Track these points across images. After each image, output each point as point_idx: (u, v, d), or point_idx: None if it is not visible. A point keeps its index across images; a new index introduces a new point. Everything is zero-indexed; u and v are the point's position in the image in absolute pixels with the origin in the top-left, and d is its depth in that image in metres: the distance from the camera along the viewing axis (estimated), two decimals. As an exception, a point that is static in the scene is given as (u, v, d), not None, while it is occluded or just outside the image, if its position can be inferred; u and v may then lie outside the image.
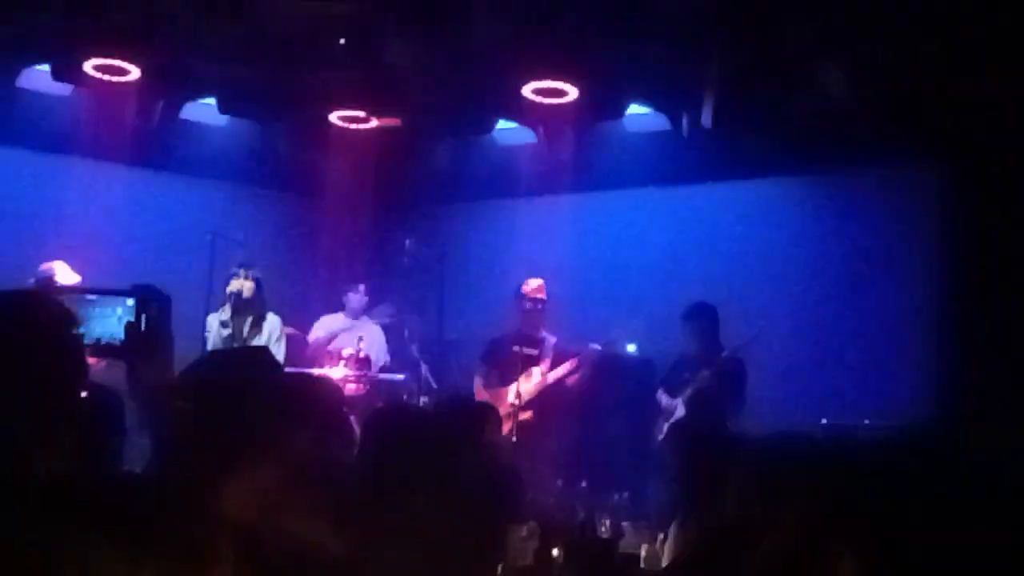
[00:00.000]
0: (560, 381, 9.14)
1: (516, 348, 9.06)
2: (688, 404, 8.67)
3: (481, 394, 9.01)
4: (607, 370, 9.29)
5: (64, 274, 8.62)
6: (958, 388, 8.50)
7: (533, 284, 9.34)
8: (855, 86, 8.44)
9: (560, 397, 9.15)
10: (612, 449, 9.12)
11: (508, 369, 9.09)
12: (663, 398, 8.93)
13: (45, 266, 8.65)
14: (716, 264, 9.88)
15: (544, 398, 9.10)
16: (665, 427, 8.28)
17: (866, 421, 8.15)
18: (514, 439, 8.35)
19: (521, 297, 9.29)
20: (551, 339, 9.32)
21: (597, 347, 9.11)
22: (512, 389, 8.91)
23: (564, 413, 9.14)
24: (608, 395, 9.39)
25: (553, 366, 9.16)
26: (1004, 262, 8.49)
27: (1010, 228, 8.44)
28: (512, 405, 8.78)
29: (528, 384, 9.05)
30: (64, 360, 2.09)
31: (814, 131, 9.01)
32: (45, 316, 2.06)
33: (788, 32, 8.25)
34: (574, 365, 9.12)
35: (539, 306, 9.28)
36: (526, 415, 8.92)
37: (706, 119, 9.10)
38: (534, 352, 9.19)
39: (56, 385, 2.00)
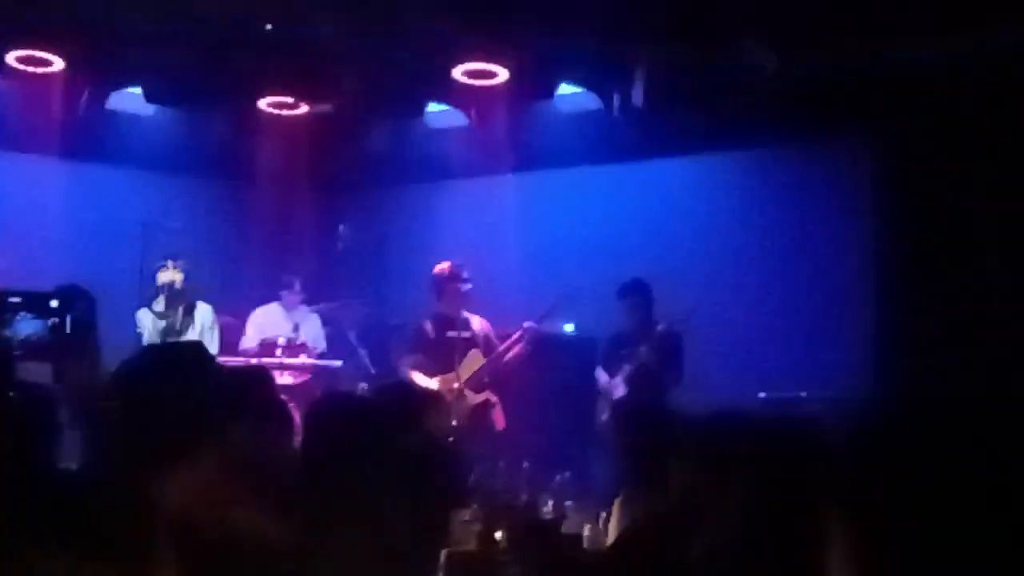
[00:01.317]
0: (502, 360, 9.08)
1: (452, 333, 8.99)
2: (628, 382, 8.70)
3: (425, 382, 8.84)
4: (546, 347, 9.27)
5: None
6: (893, 360, 8.61)
7: (444, 265, 9.20)
8: (785, 62, 8.50)
9: (502, 378, 9.11)
10: (553, 429, 9.13)
11: (443, 354, 8.97)
12: (602, 377, 8.95)
13: None
14: (651, 242, 9.92)
15: (492, 380, 9.05)
16: (606, 406, 8.32)
17: (803, 394, 8.24)
18: (456, 423, 8.31)
19: (443, 279, 9.12)
20: (476, 319, 9.24)
21: (533, 324, 9.07)
22: (455, 374, 8.88)
23: (507, 394, 9.12)
24: (548, 375, 9.39)
25: (489, 347, 9.11)
26: (937, 234, 8.60)
27: (942, 200, 8.55)
28: (456, 389, 8.75)
29: (473, 367, 9.00)
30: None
31: (745, 108, 9.05)
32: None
33: (716, 9, 8.28)
34: (514, 341, 9.07)
35: (461, 287, 9.13)
36: (477, 398, 8.89)
37: (637, 98, 9.12)
38: (468, 334, 9.12)
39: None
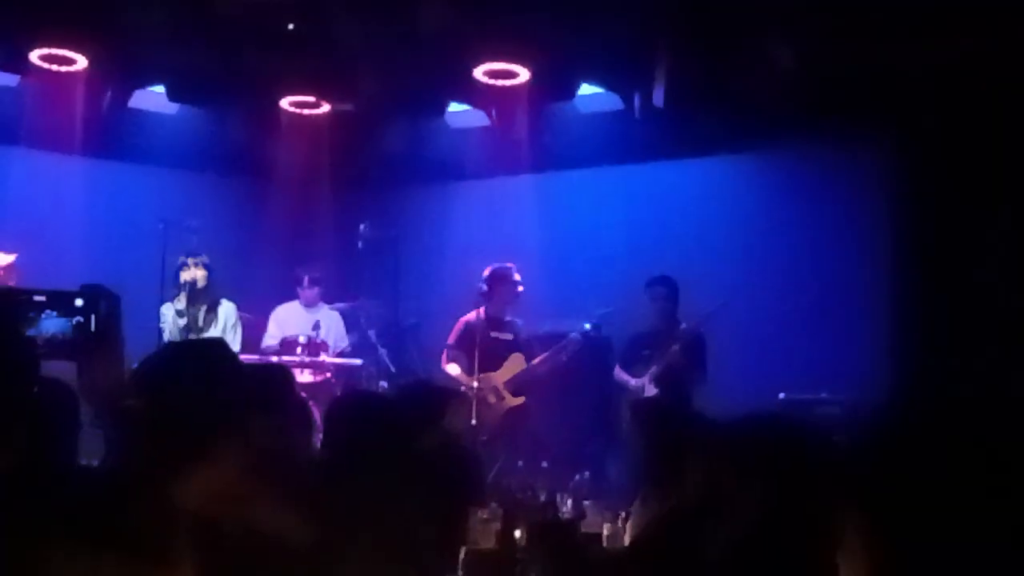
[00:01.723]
0: (542, 366, 9.11)
1: (496, 334, 9.04)
2: (658, 382, 8.66)
3: (465, 382, 8.88)
4: (588, 353, 9.27)
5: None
6: (913, 361, 8.57)
7: (499, 266, 9.25)
8: (805, 62, 8.48)
9: (546, 382, 9.14)
10: (572, 429, 9.13)
11: (486, 354, 8.97)
12: (627, 378, 8.89)
13: None
14: (670, 242, 9.91)
15: (532, 383, 9.09)
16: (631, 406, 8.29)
17: (823, 395, 8.22)
18: (491, 423, 8.35)
19: (497, 281, 9.18)
20: (518, 321, 9.30)
21: (577, 335, 9.06)
22: (496, 375, 8.94)
23: (550, 397, 9.15)
24: (566, 375, 9.39)
25: (530, 349, 9.14)
26: (959, 235, 8.56)
27: (962, 200, 8.52)
28: (495, 390, 8.79)
29: (514, 369, 9.04)
30: (13, 354, 2.07)
31: (765, 108, 9.02)
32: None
33: (737, 9, 8.27)
34: (557, 350, 9.08)
35: (512, 291, 9.19)
36: (516, 401, 8.92)
37: (657, 98, 9.11)
38: (509, 336, 9.17)
39: (5, 380, 1.97)
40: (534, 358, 9.12)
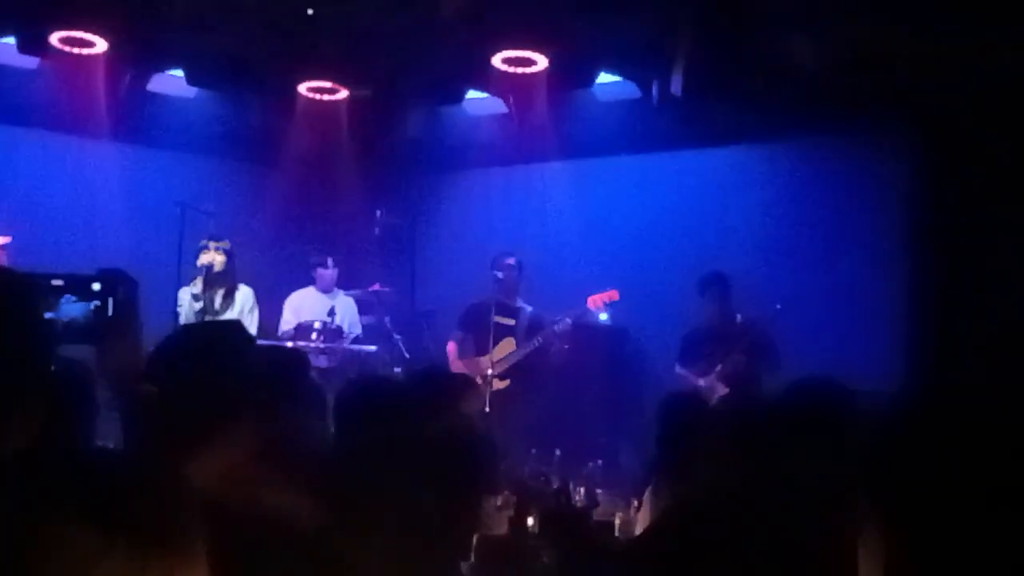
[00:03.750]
0: (533, 352, 9.15)
1: (496, 318, 9.09)
2: (727, 380, 8.58)
3: (456, 363, 9.07)
4: (581, 341, 9.30)
5: None
6: (935, 354, 8.55)
7: (505, 253, 9.36)
8: (824, 51, 8.45)
9: (533, 368, 9.18)
10: (586, 418, 9.14)
11: (484, 338, 9.14)
12: (690, 374, 8.80)
13: None
14: (688, 231, 9.90)
15: (518, 369, 9.13)
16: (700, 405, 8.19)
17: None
18: (487, 409, 8.35)
19: (494, 267, 9.26)
20: (527, 309, 9.34)
21: (568, 321, 9.11)
22: (487, 359, 8.97)
23: (538, 383, 9.18)
24: (581, 364, 9.40)
25: (527, 336, 9.18)
26: (982, 228, 8.51)
27: (980, 192, 8.48)
28: (486, 374, 8.83)
29: (502, 354, 9.10)
30: (30, 338, 2.07)
31: (784, 98, 9.01)
32: (6, 289, 2.04)
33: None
34: (546, 339, 9.13)
35: (513, 275, 9.28)
36: (501, 384, 8.97)
37: (676, 87, 9.09)
38: (511, 322, 9.22)
39: (21, 359, 1.98)
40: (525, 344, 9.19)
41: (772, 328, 8.64)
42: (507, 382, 9.06)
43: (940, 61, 8.25)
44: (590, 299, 9.14)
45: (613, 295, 9.16)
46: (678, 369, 8.93)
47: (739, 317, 8.79)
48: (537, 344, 9.15)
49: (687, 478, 3.62)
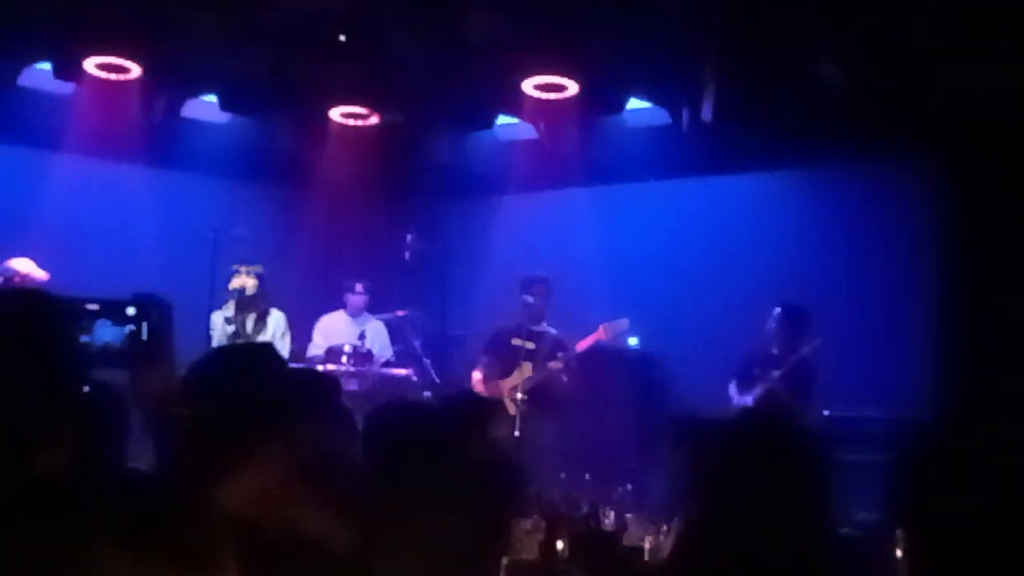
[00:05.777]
0: (549, 376, 9.12)
1: (516, 341, 9.09)
2: (756, 403, 8.58)
3: (479, 386, 9.06)
4: (602, 365, 9.27)
5: (28, 271, 8.51)
6: (959, 380, 8.51)
7: (534, 276, 9.34)
8: (854, 79, 8.44)
9: (553, 391, 9.15)
10: (616, 442, 9.11)
11: (506, 362, 9.16)
12: (734, 394, 8.82)
13: (6, 264, 8.52)
14: (717, 257, 9.90)
15: (537, 392, 9.10)
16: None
17: (867, 412, 8.16)
18: (516, 433, 8.35)
19: (524, 290, 9.26)
20: (550, 332, 9.31)
21: (582, 346, 9.11)
22: (506, 383, 9.00)
23: (563, 407, 9.16)
24: (610, 388, 9.38)
25: (547, 360, 9.15)
26: (1004, 253, 8.49)
27: (1009, 219, 8.45)
28: (502, 396, 8.84)
29: (520, 379, 9.07)
30: (65, 361, 2.10)
31: (814, 124, 9.00)
32: (44, 313, 2.07)
33: (787, 25, 8.25)
34: (557, 361, 9.11)
35: (541, 299, 9.25)
36: (522, 408, 8.94)
37: (706, 113, 9.10)
38: (531, 346, 9.20)
39: (57, 382, 2.01)
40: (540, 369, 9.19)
41: (812, 359, 8.60)
42: (526, 406, 9.05)
43: (973, 87, 8.23)
44: (602, 327, 9.13)
45: (623, 324, 9.15)
46: (731, 387, 8.92)
47: (797, 352, 8.68)
48: (551, 369, 9.13)
49: (712, 504, 3.62)
